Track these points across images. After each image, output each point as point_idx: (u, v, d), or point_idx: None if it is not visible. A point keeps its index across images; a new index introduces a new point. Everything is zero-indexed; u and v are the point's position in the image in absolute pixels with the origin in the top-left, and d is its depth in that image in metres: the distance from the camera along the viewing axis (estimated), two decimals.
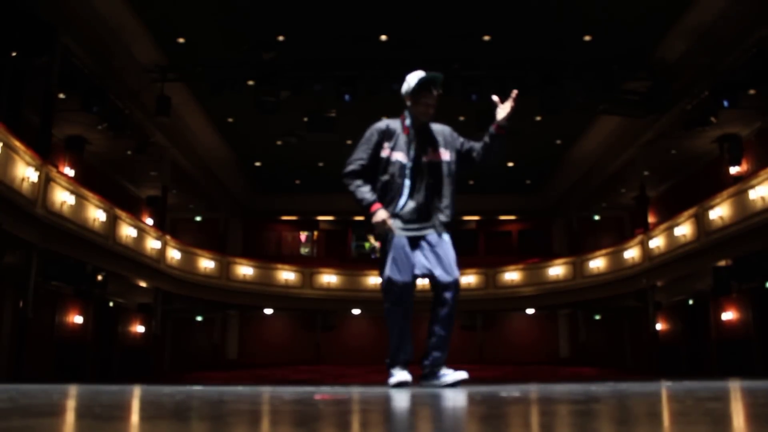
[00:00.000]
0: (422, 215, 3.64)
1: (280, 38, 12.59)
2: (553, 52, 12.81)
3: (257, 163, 19.48)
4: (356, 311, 20.35)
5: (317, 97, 13.34)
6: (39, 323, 11.89)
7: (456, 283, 3.58)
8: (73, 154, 14.63)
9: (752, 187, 11.23)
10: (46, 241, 10.33)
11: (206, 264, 17.04)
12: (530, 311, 20.45)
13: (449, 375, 3.54)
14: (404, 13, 11.85)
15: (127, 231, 13.17)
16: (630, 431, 1.14)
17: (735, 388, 2.73)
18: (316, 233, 22.99)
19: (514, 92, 3.84)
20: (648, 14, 11.65)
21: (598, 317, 20.42)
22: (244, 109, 14.17)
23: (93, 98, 12.06)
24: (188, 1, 11.58)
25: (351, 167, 3.70)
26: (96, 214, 11.93)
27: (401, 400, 2.21)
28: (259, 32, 12.39)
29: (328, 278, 19.25)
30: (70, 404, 1.97)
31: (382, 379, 4.08)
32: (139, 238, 13.77)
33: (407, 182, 3.65)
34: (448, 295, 3.56)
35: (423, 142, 3.73)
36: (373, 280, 19.08)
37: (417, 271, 3.60)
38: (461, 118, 13.77)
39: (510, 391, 2.75)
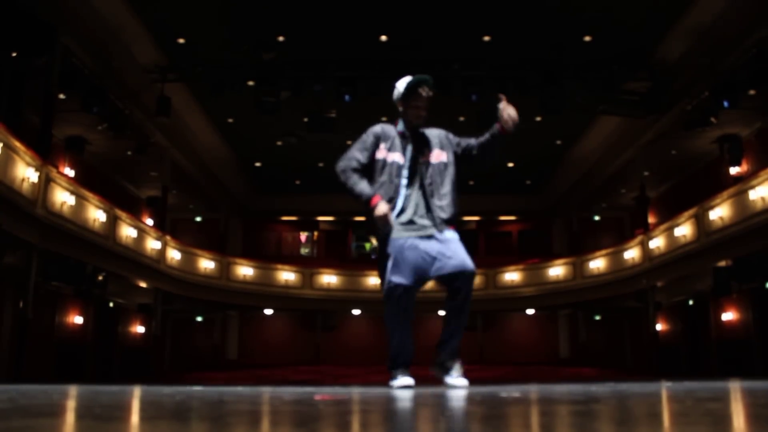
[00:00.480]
0: (421, 216, 3.63)
1: (280, 38, 12.59)
2: (554, 53, 12.81)
3: (257, 163, 19.48)
4: (356, 311, 20.35)
5: (317, 97, 13.34)
6: (39, 323, 11.89)
7: (468, 272, 3.53)
8: (73, 154, 14.63)
9: (752, 187, 11.23)
10: (46, 242, 10.33)
11: (206, 264, 17.04)
12: (530, 311, 20.45)
13: (456, 379, 3.56)
14: (404, 13, 11.85)
15: (127, 231, 13.17)
16: (630, 431, 1.14)
17: (735, 388, 2.73)
18: (316, 233, 22.99)
19: (503, 98, 3.81)
20: (648, 14, 11.65)
21: (598, 318, 20.42)
22: (244, 109, 14.17)
23: (93, 98, 12.06)
24: (188, 1, 11.58)
25: (347, 163, 3.69)
26: (96, 215, 11.93)
27: (401, 400, 2.21)
28: (259, 32, 12.39)
29: (328, 278, 19.25)
30: (70, 405, 1.97)
31: (383, 379, 4.08)
32: (139, 239, 13.77)
33: (404, 182, 3.65)
34: (458, 285, 3.53)
35: (418, 144, 3.74)
36: (374, 280, 19.07)
37: (424, 274, 3.56)
38: (461, 119, 13.79)
39: (510, 391, 2.75)
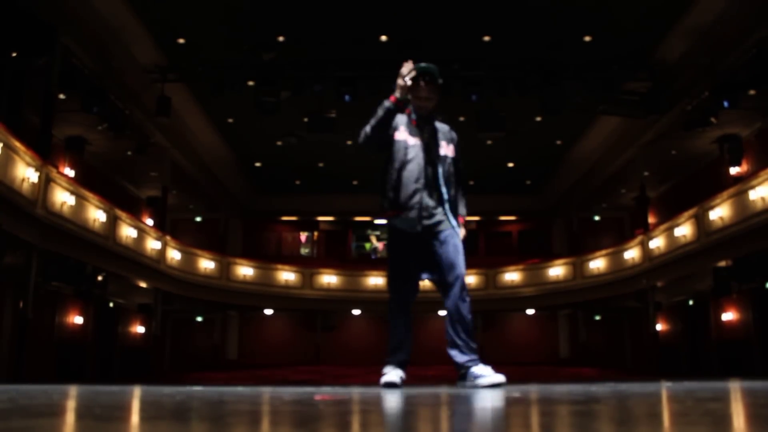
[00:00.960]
0: (434, 206, 3.60)
1: (280, 38, 12.59)
2: (553, 53, 12.80)
3: (257, 164, 19.47)
4: (356, 312, 20.35)
5: (317, 97, 13.33)
6: (39, 324, 11.89)
7: (457, 277, 3.52)
8: (73, 154, 14.63)
9: (752, 187, 11.23)
10: (47, 242, 10.32)
11: (206, 264, 17.04)
12: (530, 312, 20.45)
13: (485, 378, 3.38)
14: (404, 13, 11.85)
15: (127, 231, 13.17)
16: (630, 431, 1.14)
17: (735, 388, 2.73)
18: (316, 234, 22.98)
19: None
20: (648, 14, 11.65)
21: (598, 318, 20.42)
22: (244, 109, 14.17)
23: (93, 98, 12.05)
24: (188, 1, 11.58)
25: (366, 126, 3.73)
26: (96, 215, 11.93)
27: (401, 401, 2.21)
28: (259, 32, 12.39)
29: (328, 279, 19.24)
30: (70, 405, 1.97)
31: None
32: (139, 239, 13.77)
33: (423, 169, 3.62)
34: (450, 291, 3.53)
35: (431, 134, 3.75)
36: (374, 280, 19.08)
37: (423, 271, 3.59)
38: (461, 119, 13.78)
39: (510, 391, 2.75)
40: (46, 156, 10.37)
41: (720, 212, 12.12)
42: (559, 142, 17.65)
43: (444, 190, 3.62)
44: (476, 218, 22.40)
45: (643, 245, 15.25)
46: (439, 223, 3.59)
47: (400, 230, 3.60)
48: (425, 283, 3.77)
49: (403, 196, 3.56)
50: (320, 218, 22.73)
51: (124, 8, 11.55)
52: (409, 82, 3.57)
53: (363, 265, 20.60)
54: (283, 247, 22.76)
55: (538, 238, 22.39)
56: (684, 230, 13.37)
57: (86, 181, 13.33)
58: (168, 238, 15.68)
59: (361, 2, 11.48)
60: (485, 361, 3.54)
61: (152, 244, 14.47)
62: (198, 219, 21.54)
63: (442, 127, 3.83)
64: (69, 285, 12.31)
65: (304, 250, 22.95)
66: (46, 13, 10.17)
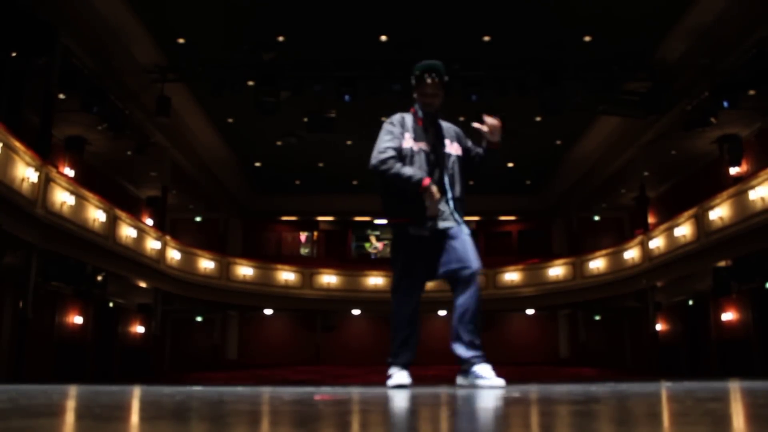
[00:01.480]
0: (443, 206, 3.59)
1: (280, 38, 12.59)
2: (553, 53, 12.80)
3: (257, 164, 19.47)
4: (356, 312, 20.35)
5: (317, 97, 13.33)
6: (39, 324, 11.89)
7: (473, 273, 3.51)
8: (73, 154, 14.62)
9: (752, 187, 11.23)
10: (46, 242, 10.32)
11: (206, 264, 17.04)
12: (530, 312, 20.45)
13: (485, 380, 3.38)
14: (404, 14, 11.85)
15: (127, 231, 13.17)
16: (630, 431, 1.14)
17: (735, 388, 2.73)
18: (316, 233, 22.98)
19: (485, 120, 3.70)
20: (648, 14, 11.65)
21: (598, 318, 20.42)
22: (244, 109, 14.16)
23: (93, 98, 12.06)
24: (188, 1, 11.58)
25: (384, 155, 3.53)
26: (96, 215, 11.93)
27: (401, 400, 2.21)
28: (259, 32, 12.39)
29: (328, 279, 19.24)
30: (70, 405, 1.97)
31: (382, 379, 4.08)
32: (139, 239, 13.77)
33: (429, 174, 3.59)
34: (463, 287, 3.51)
35: (436, 133, 3.73)
36: (373, 280, 19.08)
37: (436, 271, 3.56)
38: (461, 119, 13.75)
39: (510, 391, 2.75)
40: (45, 156, 10.37)
41: (720, 212, 12.13)
42: (559, 142, 17.65)
43: (449, 189, 3.61)
44: (476, 218, 22.41)
45: (643, 245, 15.25)
46: (447, 223, 3.58)
47: (411, 235, 3.57)
48: (427, 284, 3.77)
49: (412, 204, 3.51)
50: (320, 218, 22.73)
51: (124, 8, 11.55)
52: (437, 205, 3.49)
53: (363, 265, 20.61)
54: (283, 247, 22.77)
55: (538, 238, 22.39)
56: (684, 230, 13.37)
57: (86, 181, 13.32)
58: (168, 238, 15.68)
59: (361, 2, 11.48)
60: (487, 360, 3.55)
61: (152, 244, 14.47)
62: (198, 219, 21.55)
63: (446, 125, 3.82)
64: (69, 285, 12.31)
65: (303, 250, 22.96)
66: (46, 13, 10.17)
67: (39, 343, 12.39)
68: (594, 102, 13.69)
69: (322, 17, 11.93)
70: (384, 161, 3.51)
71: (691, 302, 16.61)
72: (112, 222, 12.58)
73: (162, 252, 15.00)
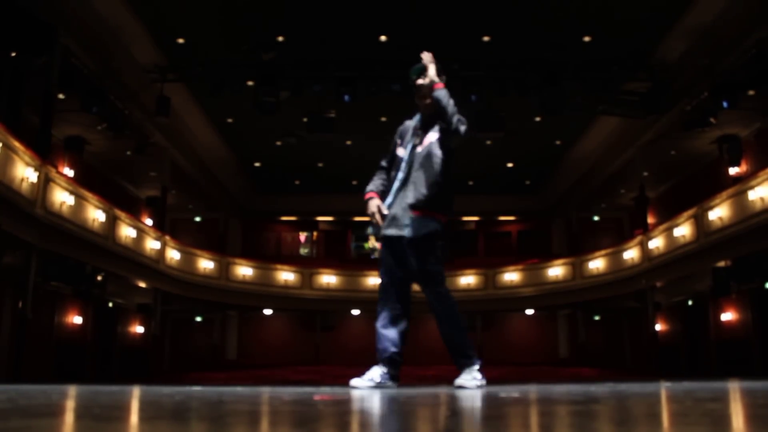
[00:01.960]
0: (404, 209, 3.63)
1: (280, 38, 12.59)
2: (553, 53, 12.80)
3: (257, 164, 19.47)
4: (356, 312, 20.34)
5: (317, 97, 13.33)
6: (38, 324, 11.88)
7: (430, 282, 3.55)
8: (72, 154, 14.62)
9: (751, 187, 11.24)
10: (46, 242, 10.32)
11: (206, 264, 17.04)
12: (530, 312, 20.45)
13: (461, 379, 3.50)
14: (404, 14, 11.85)
15: (126, 231, 13.17)
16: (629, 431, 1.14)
17: (734, 388, 2.73)
18: (315, 234, 22.98)
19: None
20: (648, 15, 11.65)
21: (597, 318, 20.43)
22: (244, 109, 14.16)
23: (92, 98, 12.05)
24: (188, 1, 11.58)
25: (378, 168, 3.91)
26: (95, 215, 11.93)
27: (400, 400, 2.21)
28: (259, 32, 12.39)
29: (328, 279, 19.24)
30: (70, 405, 1.97)
31: None
32: (139, 239, 13.77)
33: (401, 175, 3.68)
34: (429, 296, 3.59)
35: (424, 134, 3.77)
36: (373, 280, 19.07)
37: (399, 272, 3.62)
38: None
39: (509, 391, 2.75)
40: (45, 156, 10.37)
41: (719, 212, 12.13)
42: (558, 142, 17.65)
43: (393, 196, 3.67)
44: (475, 218, 22.42)
45: (643, 245, 15.26)
46: (389, 230, 3.64)
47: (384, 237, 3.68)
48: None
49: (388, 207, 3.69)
50: (319, 218, 22.73)
51: (124, 8, 11.54)
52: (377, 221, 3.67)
53: (362, 265, 20.59)
54: (283, 247, 22.77)
55: (538, 239, 22.39)
56: (683, 230, 13.38)
57: (85, 181, 13.32)
58: (167, 238, 15.68)
59: (361, 2, 11.48)
60: (482, 361, 3.59)
61: (151, 244, 14.46)
62: (197, 219, 21.54)
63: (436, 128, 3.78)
64: (68, 285, 12.30)
65: (303, 250, 22.96)
66: (45, 13, 10.16)
67: (38, 343, 12.38)
68: (594, 102, 13.69)
69: (321, 17, 11.93)
70: (464, 122, 3.67)
71: (690, 302, 16.61)
72: (112, 222, 12.58)
73: (161, 252, 14.99)
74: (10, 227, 9.38)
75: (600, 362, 18.82)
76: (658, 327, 16.48)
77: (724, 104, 11.97)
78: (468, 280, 19.11)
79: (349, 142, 16.91)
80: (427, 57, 3.79)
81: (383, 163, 3.85)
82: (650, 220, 17.38)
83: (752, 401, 1.87)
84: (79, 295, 13.40)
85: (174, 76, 13.48)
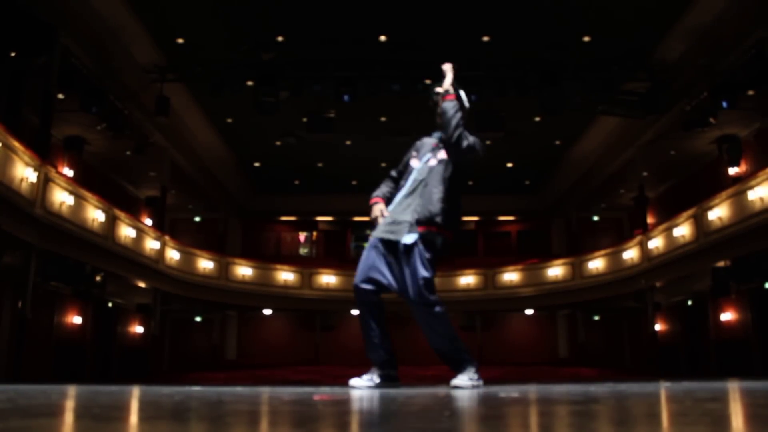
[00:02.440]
0: (402, 216, 3.63)
1: (280, 38, 12.59)
2: (553, 53, 12.81)
3: (256, 164, 19.47)
4: (355, 312, 20.30)
5: (317, 97, 13.34)
6: (38, 324, 11.88)
7: (417, 293, 3.50)
8: (72, 154, 14.61)
9: (751, 187, 11.24)
10: (45, 242, 10.31)
11: (205, 264, 17.03)
12: (529, 312, 20.45)
13: (457, 379, 3.54)
14: (404, 14, 11.85)
15: (126, 231, 13.16)
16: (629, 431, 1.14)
17: (734, 388, 2.73)
18: (315, 234, 22.98)
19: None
20: (647, 15, 11.66)
21: (597, 318, 20.43)
22: (244, 109, 14.16)
23: (92, 98, 12.04)
24: (188, 1, 11.58)
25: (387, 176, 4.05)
26: (95, 215, 11.92)
27: (400, 400, 2.21)
28: (259, 32, 12.39)
29: (327, 279, 19.24)
30: (69, 405, 1.97)
31: None
32: (138, 239, 13.76)
33: (407, 185, 3.73)
34: (416, 314, 3.58)
35: (439, 151, 3.83)
36: None
37: (383, 280, 3.58)
38: None
39: (509, 391, 2.75)
40: (44, 156, 10.36)
41: (719, 212, 12.13)
42: (558, 142, 17.66)
43: (398, 204, 3.70)
44: (475, 218, 22.42)
45: (642, 245, 15.26)
46: (385, 234, 3.64)
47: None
48: None
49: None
50: (319, 218, 22.73)
51: (124, 8, 11.54)
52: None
53: None
54: (282, 247, 22.76)
55: (537, 238, 22.40)
56: (683, 230, 13.38)
57: (85, 181, 13.31)
58: (167, 238, 15.67)
59: (361, 2, 11.48)
60: (480, 363, 3.62)
61: (151, 244, 14.46)
62: (197, 219, 21.54)
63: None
64: (68, 285, 12.29)
65: (303, 250, 22.96)
66: (45, 13, 10.16)
67: (38, 343, 12.38)
68: (593, 102, 13.71)
69: (321, 17, 11.93)
70: (475, 140, 3.82)
71: (690, 302, 16.62)
72: (111, 222, 12.58)
73: (161, 252, 14.99)
74: (9, 227, 9.37)
75: (599, 362, 18.83)
76: (657, 327, 16.48)
77: (724, 104, 11.98)
78: (467, 280, 19.11)
79: (348, 142, 16.90)
80: (446, 67, 3.92)
81: (393, 173, 3.95)
82: (650, 220, 17.39)
83: (752, 401, 1.87)
84: (78, 295, 13.38)
85: (174, 76, 13.48)
